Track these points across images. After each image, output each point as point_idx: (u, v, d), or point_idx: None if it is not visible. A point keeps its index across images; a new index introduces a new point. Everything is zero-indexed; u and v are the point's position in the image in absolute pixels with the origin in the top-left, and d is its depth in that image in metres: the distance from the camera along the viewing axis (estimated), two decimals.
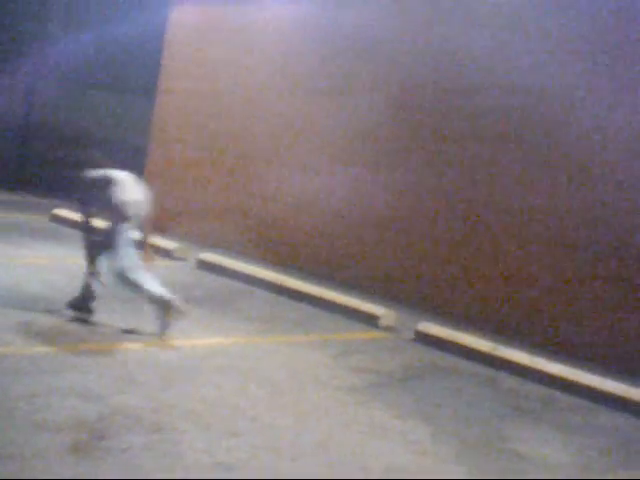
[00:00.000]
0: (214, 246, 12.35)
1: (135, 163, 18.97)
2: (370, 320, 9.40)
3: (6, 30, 32.97)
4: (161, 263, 11.09)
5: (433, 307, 10.31)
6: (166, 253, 11.50)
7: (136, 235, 8.08)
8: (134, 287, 7.77)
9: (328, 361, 7.78)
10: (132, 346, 7.34)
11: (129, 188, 7.99)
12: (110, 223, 7.93)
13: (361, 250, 11.07)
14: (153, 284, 7.80)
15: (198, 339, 7.86)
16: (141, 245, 8.17)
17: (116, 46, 30.02)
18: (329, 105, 11.55)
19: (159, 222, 13.38)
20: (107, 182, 7.96)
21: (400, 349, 8.66)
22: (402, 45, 10.76)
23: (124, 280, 7.75)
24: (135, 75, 29.75)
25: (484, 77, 9.97)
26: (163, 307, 7.72)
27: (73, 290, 8.83)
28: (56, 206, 13.73)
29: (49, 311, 7.98)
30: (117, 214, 7.84)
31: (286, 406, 6.41)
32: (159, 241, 11.89)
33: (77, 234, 12.00)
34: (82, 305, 8.03)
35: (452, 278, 10.30)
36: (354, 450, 5.74)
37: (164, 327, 7.72)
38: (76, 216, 12.91)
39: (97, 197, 7.97)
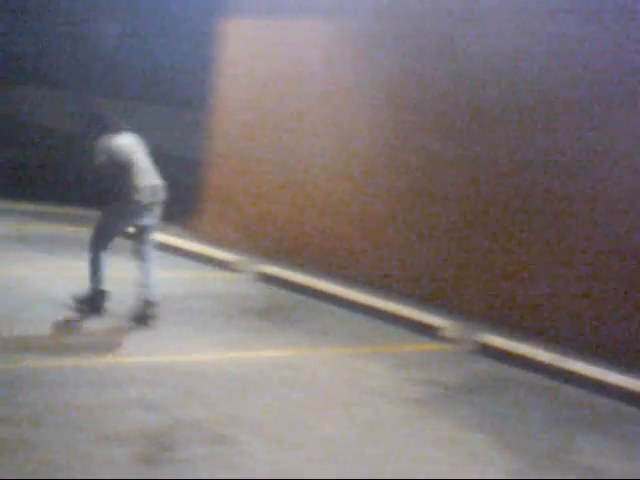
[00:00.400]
0: (273, 258, 12.37)
1: (186, 176, 19.12)
2: (430, 331, 9.34)
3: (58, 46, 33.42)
4: (220, 275, 11.16)
5: (492, 318, 10.19)
6: (225, 265, 11.55)
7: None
8: (91, 264, 8.23)
9: (389, 373, 7.74)
10: (194, 358, 7.38)
11: (144, 171, 8.37)
12: (117, 207, 8.29)
13: (418, 261, 11.01)
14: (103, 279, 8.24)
15: (260, 351, 7.87)
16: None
17: (165, 59, 30.32)
18: (382, 119, 11.52)
19: (217, 234, 13.48)
20: (122, 163, 8.23)
21: (461, 361, 8.58)
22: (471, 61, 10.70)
23: (90, 251, 8.27)
24: (184, 88, 30.04)
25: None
26: (88, 298, 8.18)
27: (122, 300, 8.92)
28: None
29: (104, 323, 8.05)
30: (127, 200, 8.19)
31: (348, 418, 6.39)
32: (217, 253, 11.96)
33: (120, 244, 12.19)
34: (90, 302, 8.25)
35: (511, 289, 10.18)
36: (417, 463, 5.70)
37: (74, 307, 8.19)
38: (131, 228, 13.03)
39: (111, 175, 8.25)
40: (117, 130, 8.40)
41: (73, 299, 8.27)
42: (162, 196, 8.56)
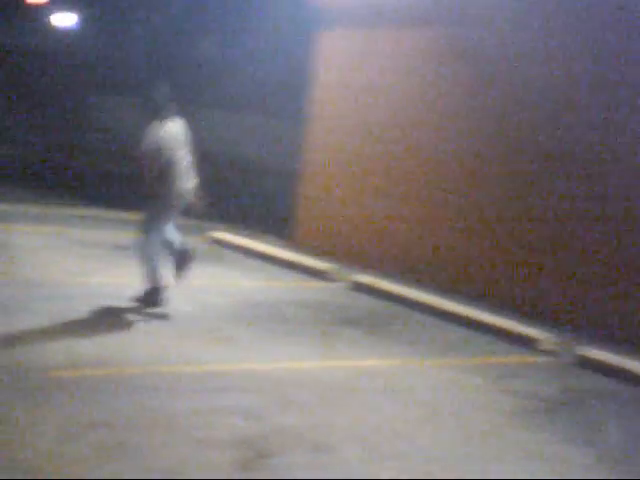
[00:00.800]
0: (366, 267, 12.37)
1: (282, 186, 19.26)
2: (528, 343, 9.20)
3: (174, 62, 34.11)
4: (315, 284, 11.20)
5: (590, 330, 10.00)
6: (320, 274, 11.59)
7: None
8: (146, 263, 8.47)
9: (486, 385, 7.65)
10: (289, 366, 7.41)
11: (185, 172, 8.65)
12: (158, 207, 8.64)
13: (512, 271, 10.88)
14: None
15: (356, 360, 7.87)
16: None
17: (262, 71, 30.66)
18: (487, 130, 11.41)
19: (312, 243, 13.53)
20: (165, 158, 8.46)
21: (560, 373, 8.43)
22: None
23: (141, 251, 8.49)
24: (280, 99, 30.31)
25: None
26: (149, 295, 8.45)
27: (232, 310, 9.02)
28: (215, 228, 14.03)
29: (206, 331, 8.14)
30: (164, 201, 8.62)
31: (445, 430, 6.34)
32: (312, 262, 12.01)
33: (236, 257, 12.37)
34: (151, 297, 8.47)
35: (613, 300, 9.99)
36: (517, 475, 5.62)
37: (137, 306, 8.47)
38: (241, 240, 13.22)
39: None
40: (167, 115, 8.61)
41: (135, 300, 8.55)
42: (192, 196, 8.99)
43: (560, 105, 10.55)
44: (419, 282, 11.61)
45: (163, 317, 8.39)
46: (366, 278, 11.27)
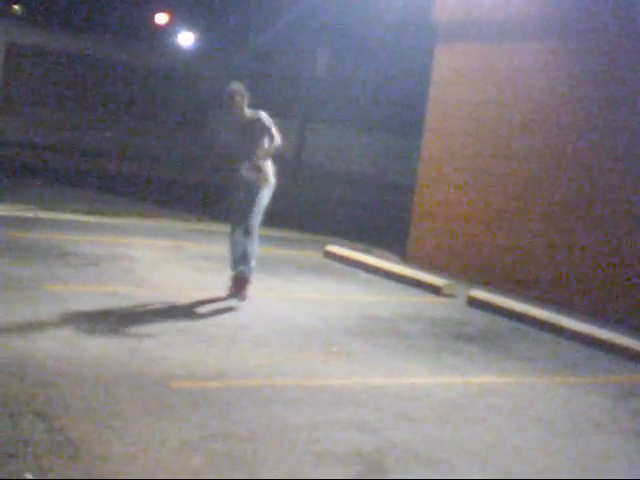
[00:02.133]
0: (480, 283, 12.28)
1: (397, 201, 19.24)
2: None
3: (281, 76, 34.55)
4: (430, 299, 11.16)
5: None
6: (435, 289, 11.54)
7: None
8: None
9: (607, 404, 7.50)
10: (405, 381, 7.40)
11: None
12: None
13: (633, 288, 10.65)
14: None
15: (472, 377, 7.80)
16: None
17: (379, 88, 30.72)
18: (618, 146, 11.20)
19: (427, 258, 13.49)
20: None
21: None
22: None
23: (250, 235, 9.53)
24: (397, 116, 30.31)
25: None
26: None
27: (347, 324, 9.05)
28: (329, 242, 14.13)
29: (322, 344, 8.19)
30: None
31: (564, 449, 6.23)
32: (427, 277, 11.97)
33: (350, 271, 12.42)
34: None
35: None
36: None
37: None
38: (356, 254, 13.26)
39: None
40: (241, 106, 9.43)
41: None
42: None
43: None
44: (536, 299, 11.46)
45: (280, 330, 8.49)
46: (482, 294, 11.17)
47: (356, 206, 22.46)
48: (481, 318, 10.39)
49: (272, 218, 17.03)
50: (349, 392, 6.84)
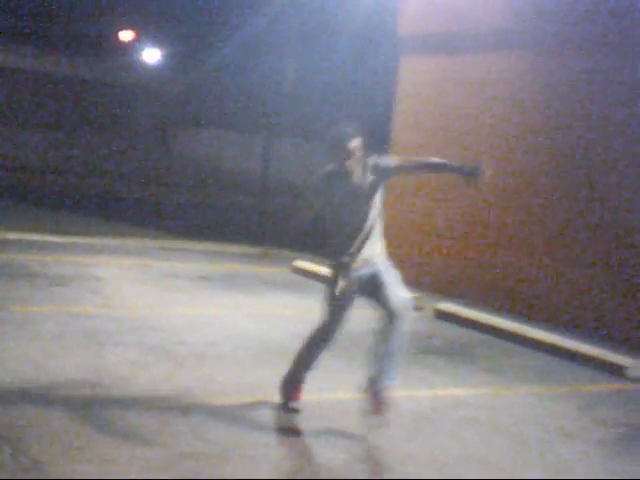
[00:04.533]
0: (448, 295, 12.34)
1: None
2: (615, 370, 9.05)
3: (245, 92, 34.59)
4: None
5: None
6: None
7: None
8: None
9: (573, 413, 7.55)
10: None
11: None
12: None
13: (597, 296, 10.74)
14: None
15: (440, 389, 7.83)
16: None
17: (345, 101, 30.81)
18: (560, 161, 11.34)
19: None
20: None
21: None
22: None
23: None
24: (364, 129, 30.45)
25: None
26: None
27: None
28: (298, 258, 14.14)
29: (290, 361, 8.18)
30: None
31: (533, 460, 6.27)
32: None
33: (319, 286, 12.41)
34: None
35: None
36: None
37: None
38: (323, 269, 13.24)
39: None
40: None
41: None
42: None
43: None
44: (503, 310, 11.52)
45: (249, 347, 8.47)
46: (449, 306, 11.23)
47: (325, 222, 22.48)
48: (448, 330, 10.43)
49: (238, 234, 17.18)
50: (318, 408, 6.83)
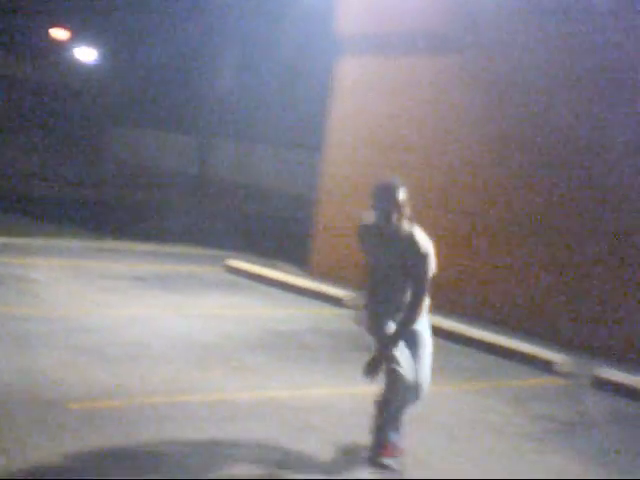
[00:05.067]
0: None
1: (298, 215, 19.36)
2: (545, 366, 9.22)
3: (181, 90, 34.40)
4: (333, 312, 11.24)
5: (609, 350, 10.02)
6: (337, 301, 11.66)
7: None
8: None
9: (503, 408, 7.67)
10: (309, 392, 7.45)
11: None
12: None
13: (527, 294, 10.91)
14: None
15: (373, 387, 7.89)
16: None
17: (279, 102, 30.84)
18: (491, 155, 11.50)
19: (328, 271, 13.58)
20: None
21: (578, 395, 8.45)
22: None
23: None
24: (298, 129, 30.49)
25: None
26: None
27: (250, 338, 9.06)
28: (232, 257, 14.14)
29: (224, 360, 8.20)
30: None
31: (462, 453, 6.36)
32: (329, 290, 12.07)
33: (252, 285, 12.45)
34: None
35: (628, 318, 10.01)
36: None
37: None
38: (257, 268, 13.28)
39: None
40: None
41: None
42: None
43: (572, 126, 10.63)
44: (441, 309, 11.65)
45: (180, 347, 8.47)
46: None
47: (260, 220, 22.50)
48: None
49: (174, 234, 17.10)
50: (249, 406, 6.86)
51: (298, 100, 28.96)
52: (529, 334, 10.53)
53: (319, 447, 6.10)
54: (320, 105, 15.12)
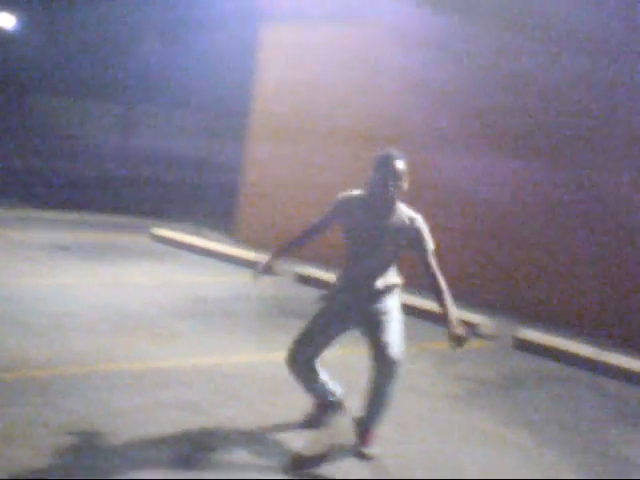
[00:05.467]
0: (310, 260, 12.50)
1: (226, 182, 19.32)
2: (469, 328, 9.35)
3: (100, 61, 33.86)
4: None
5: (531, 313, 10.23)
6: (251, 264, 11.67)
7: None
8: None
9: (428, 370, 7.80)
10: (235, 359, 7.47)
11: None
12: None
13: (456, 257, 11.06)
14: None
15: None
16: None
17: (201, 69, 30.60)
18: (418, 125, 11.59)
19: (254, 237, 13.59)
20: None
21: (500, 356, 8.62)
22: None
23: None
24: (221, 96, 30.30)
25: None
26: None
27: (176, 306, 9.04)
28: (156, 225, 14.05)
29: (150, 328, 8.18)
30: None
31: (387, 415, 6.44)
32: (255, 256, 12.08)
33: (179, 253, 12.40)
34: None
35: (549, 283, 10.22)
36: (456, 457, 5.76)
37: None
38: (183, 236, 13.21)
39: None
40: None
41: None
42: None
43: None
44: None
45: (106, 316, 8.42)
46: (309, 270, 11.37)
47: (186, 188, 22.37)
48: (309, 294, 10.55)
49: (99, 203, 16.93)
50: (176, 373, 6.86)
51: (224, 68, 28.75)
52: (454, 298, 10.66)
53: (243, 412, 6.14)
54: (246, 73, 15.06)
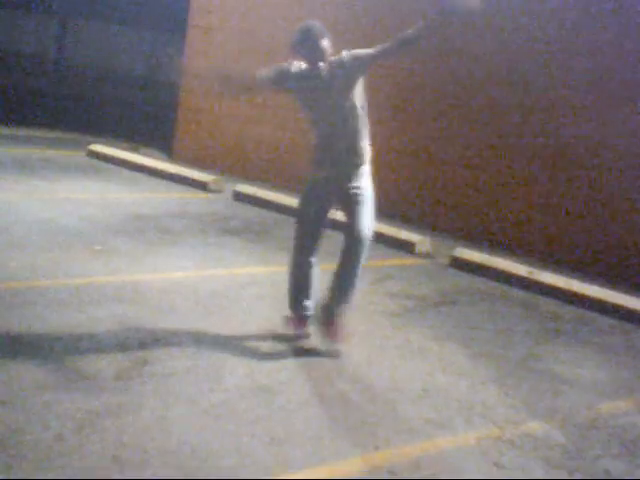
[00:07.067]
0: (248, 178, 12.45)
1: (166, 98, 19.03)
2: (406, 247, 9.45)
3: None
4: (197, 195, 11.21)
5: (467, 234, 10.34)
6: (201, 185, 11.60)
7: None
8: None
9: (364, 287, 7.80)
10: (172, 275, 7.46)
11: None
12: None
13: (394, 178, 11.09)
14: None
15: (237, 268, 7.96)
16: None
17: None
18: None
19: (193, 155, 13.48)
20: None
21: (436, 275, 8.72)
22: None
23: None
24: (166, 13, 29.66)
25: None
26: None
27: (112, 223, 8.95)
28: (92, 142, 13.84)
29: (86, 244, 8.11)
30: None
31: (318, 332, 6.49)
32: (193, 174, 12.00)
33: (115, 170, 12.25)
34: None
35: (486, 204, 10.32)
36: (391, 372, 5.84)
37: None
38: (120, 153, 13.03)
39: None
40: None
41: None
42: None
43: None
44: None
45: (41, 232, 8.30)
46: (247, 188, 11.33)
47: (124, 105, 22.00)
48: (246, 211, 10.55)
49: (34, 117, 16.59)
50: (112, 289, 6.82)
51: None
52: (391, 217, 10.75)
53: (182, 327, 6.15)
54: None
